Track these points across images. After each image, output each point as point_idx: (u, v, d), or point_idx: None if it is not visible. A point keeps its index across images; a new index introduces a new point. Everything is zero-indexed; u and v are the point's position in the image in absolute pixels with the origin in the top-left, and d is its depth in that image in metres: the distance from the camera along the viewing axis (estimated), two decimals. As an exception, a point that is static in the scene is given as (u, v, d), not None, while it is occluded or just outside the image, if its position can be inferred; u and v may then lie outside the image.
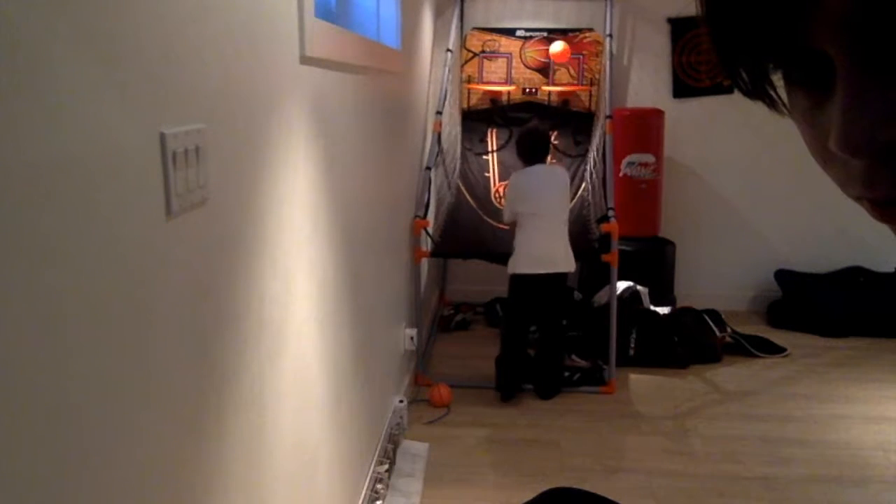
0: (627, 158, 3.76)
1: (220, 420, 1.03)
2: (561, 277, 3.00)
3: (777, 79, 0.32)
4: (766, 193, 4.11)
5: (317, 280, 1.57)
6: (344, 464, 1.88)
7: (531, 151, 3.09)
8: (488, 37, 4.03)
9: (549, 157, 3.17)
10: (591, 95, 3.98)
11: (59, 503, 0.66)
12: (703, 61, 4.01)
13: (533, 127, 3.29)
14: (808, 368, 3.39)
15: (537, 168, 3.06)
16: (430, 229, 3.26)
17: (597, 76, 3.96)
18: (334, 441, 1.77)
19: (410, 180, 3.19)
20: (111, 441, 0.74)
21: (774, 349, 3.56)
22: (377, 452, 2.34)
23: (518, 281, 3.03)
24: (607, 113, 3.49)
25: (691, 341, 3.44)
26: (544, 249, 2.96)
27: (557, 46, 3.84)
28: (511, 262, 3.01)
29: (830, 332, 3.74)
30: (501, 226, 3.44)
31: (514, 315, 3.14)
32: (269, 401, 1.25)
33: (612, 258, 3.05)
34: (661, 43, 4.04)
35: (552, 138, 3.87)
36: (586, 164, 3.65)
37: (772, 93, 0.32)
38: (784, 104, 0.33)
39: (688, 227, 4.12)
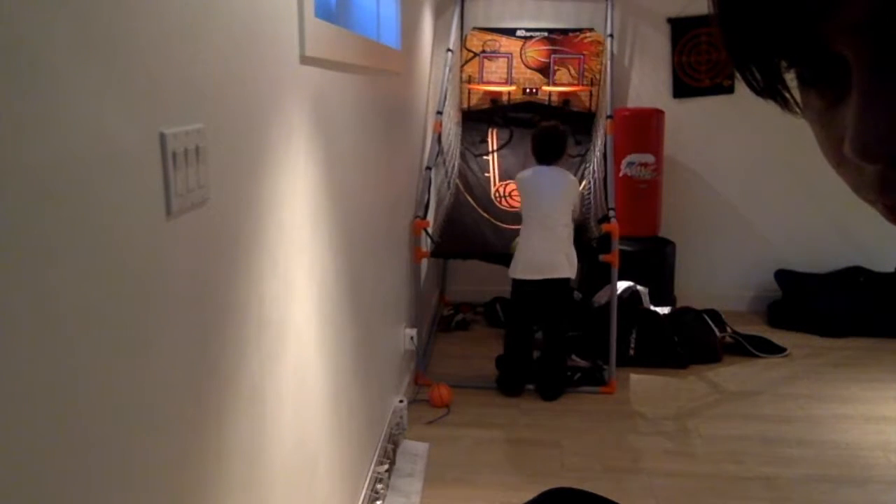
0: (627, 158, 3.75)
1: (220, 420, 1.03)
2: (560, 283, 2.99)
3: (790, 78, 0.31)
4: (766, 193, 4.11)
5: (317, 280, 1.57)
6: (344, 464, 1.88)
7: (541, 150, 3.09)
8: (489, 37, 4.02)
9: (560, 159, 3.14)
10: (591, 95, 3.98)
11: (59, 503, 0.66)
12: (703, 61, 4.01)
13: (551, 126, 3.16)
14: (808, 368, 3.39)
15: (543, 169, 3.06)
16: (429, 229, 3.26)
17: (597, 76, 3.96)
18: (334, 441, 1.77)
19: (410, 180, 3.19)
20: (111, 441, 0.74)
21: (774, 349, 3.56)
22: (377, 452, 2.34)
23: (517, 285, 3.06)
24: (608, 113, 3.49)
25: (691, 341, 3.44)
26: (541, 255, 2.96)
27: None
28: (511, 265, 3.03)
29: (830, 332, 3.74)
30: (502, 225, 3.44)
31: (515, 317, 3.16)
32: (269, 401, 1.25)
33: (612, 258, 3.05)
34: (661, 43, 4.04)
35: None
36: (587, 164, 3.65)
37: (785, 93, 0.32)
38: (797, 104, 0.32)
39: (688, 227, 4.11)
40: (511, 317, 3.20)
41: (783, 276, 4.04)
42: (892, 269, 3.93)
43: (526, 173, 3.10)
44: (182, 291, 0.90)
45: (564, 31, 3.99)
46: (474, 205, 3.60)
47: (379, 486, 2.23)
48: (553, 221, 2.97)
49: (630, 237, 3.59)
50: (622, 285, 3.46)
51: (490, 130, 3.95)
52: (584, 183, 3.58)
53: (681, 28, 3.99)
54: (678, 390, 3.16)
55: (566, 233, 2.99)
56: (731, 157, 4.09)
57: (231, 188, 1.06)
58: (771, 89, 0.32)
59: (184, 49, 0.90)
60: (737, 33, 0.31)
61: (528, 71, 4.01)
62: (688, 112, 4.04)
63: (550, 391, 3.05)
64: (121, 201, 0.75)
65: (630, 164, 3.77)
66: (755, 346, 3.55)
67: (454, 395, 2.99)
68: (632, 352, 3.37)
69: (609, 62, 3.74)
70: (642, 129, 3.81)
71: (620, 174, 3.74)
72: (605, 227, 3.07)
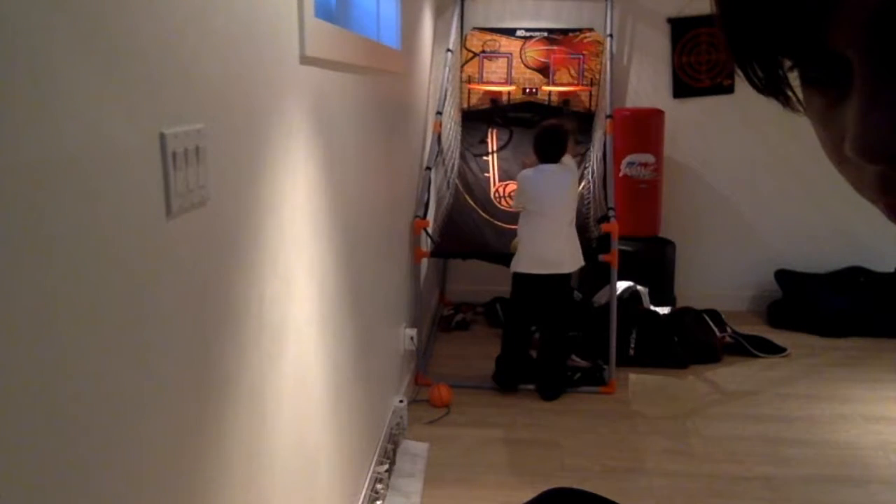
0: (627, 158, 3.75)
1: (220, 420, 1.03)
2: (563, 278, 3.00)
3: (793, 77, 0.31)
4: (766, 193, 4.11)
5: (317, 280, 1.57)
6: (344, 464, 1.88)
7: (544, 149, 3.07)
8: (488, 37, 4.02)
9: (564, 156, 3.11)
10: (591, 95, 3.98)
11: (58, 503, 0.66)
12: (703, 61, 4.01)
13: (553, 124, 3.16)
14: (808, 368, 3.39)
15: (548, 167, 3.04)
16: (429, 229, 3.26)
17: (597, 76, 3.96)
18: (334, 441, 1.77)
19: (410, 180, 3.19)
20: (110, 442, 0.74)
21: (774, 349, 3.56)
22: (377, 452, 2.34)
23: (519, 279, 3.05)
24: (608, 113, 3.49)
25: (691, 341, 3.44)
26: (546, 251, 2.97)
27: None
28: (514, 260, 3.03)
29: (830, 332, 3.74)
30: (502, 225, 3.44)
31: (515, 314, 3.15)
32: (269, 401, 1.25)
33: (611, 258, 3.05)
34: (661, 43, 4.03)
35: None
36: (586, 164, 3.65)
37: (787, 91, 0.32)
38: (799, 102, 0.32)
39: (688, 227, 4.11)
40: (510, 313, 3.20)
41: (783, 276, 4.04)
42: (892, 269, 3.93)
43: (528, 172, 3.09)
44: (182, 291, 0.90)
45: (564, 31, 3.99)
46: (474, 205, 3.61)
47: (379, 486, 2.24)
48: (559, 220, 2.97)
49: (630, 237, 3.59)
50: (622, 285, 3.46)
51: (490, 130, 3.96)
52: (583, 183, 3.58)
53: (681, 28, 3.99)
54: (678, 390, 3.16)
55: (571, 230, 3.00)
56: (731, 157, 4.09)
57: (231, 188, 1.06)
58: (773, 87, 0.32)
59: (184, 49, 0.90)
60: (739, 32, 0.31)
61: (528, 71, 4.01)
62: (688, 112, 4.04)
63: (550, 391, 3.05)
64: (121, 201, 0.75)
65: (630, 164, 3.77)
66: (755, 346, 3.55)
67: (454, 395, 2.99)
68: (632, 352, 3.37)
69: (609, 62, 3.74)
70: (642, 129, 3.81)
71: (620, 174, 3.74)
72: (604, 227, 3.07)
